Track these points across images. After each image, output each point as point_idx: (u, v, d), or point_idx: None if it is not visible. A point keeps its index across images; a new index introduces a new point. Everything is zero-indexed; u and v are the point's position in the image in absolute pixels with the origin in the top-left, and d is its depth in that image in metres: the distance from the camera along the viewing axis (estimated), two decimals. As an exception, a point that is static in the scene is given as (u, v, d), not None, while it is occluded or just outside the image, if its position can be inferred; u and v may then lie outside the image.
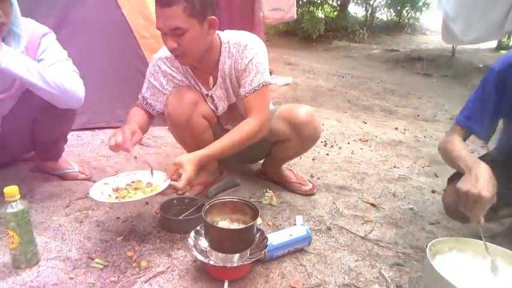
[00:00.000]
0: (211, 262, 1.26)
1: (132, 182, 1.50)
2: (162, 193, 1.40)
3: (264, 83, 1.61)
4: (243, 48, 1.60)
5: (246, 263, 1.27)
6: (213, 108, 1.77)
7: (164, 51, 1.67)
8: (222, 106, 1.77)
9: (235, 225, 1.37)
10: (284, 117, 1.74)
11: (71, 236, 1.50)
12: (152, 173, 1.52)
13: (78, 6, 2.53)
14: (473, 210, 1.19)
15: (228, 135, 1.56)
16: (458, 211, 1.26)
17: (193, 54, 1.55)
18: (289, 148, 1.84)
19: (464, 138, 1.44)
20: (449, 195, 1.51)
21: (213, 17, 1.49)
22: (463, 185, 1.20)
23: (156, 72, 1.73)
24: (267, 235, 1.40)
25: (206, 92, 1.73)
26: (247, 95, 1.61)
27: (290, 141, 1.79)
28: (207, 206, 1.34)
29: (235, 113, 1.79)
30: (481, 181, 1.18)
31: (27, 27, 1.56)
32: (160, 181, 1.44)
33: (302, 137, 1.77)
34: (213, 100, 1.75)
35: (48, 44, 1.63)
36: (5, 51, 1.39)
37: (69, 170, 1.97)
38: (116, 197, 1.39)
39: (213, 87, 1.72)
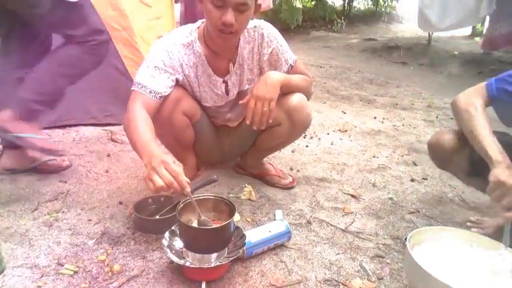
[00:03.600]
0: (187, 263, 1.21)
1: None
2: None
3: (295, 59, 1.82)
4: (265, 34, 1.65)
5: (223, 262, 1.23)
6: (224, 93, 1.73)
7: (179, 38, 1.57)
8: (233, 92, 1.74)
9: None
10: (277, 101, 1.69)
11: (39, 241, 1.42)
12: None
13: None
14: (504, 200, 1.19)
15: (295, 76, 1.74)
16: (441, 154, 1.35)
17: (240, 35, 1.55)
18: (278, 134, 1.78)
19: (486, 105, 1.40)
20: (434, 137, 1.59)
21: None
22: (499, 175, 1.20)
23: (175, 53, 1.56)
24: (246, 232, 1.35)
25: (221, 79, 1.68)
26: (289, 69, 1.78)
27: (280, 126, 1.74)
28: (181, 205, 1.29)
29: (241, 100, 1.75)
30: None
31: None
32: None
33: (294, 122, 1.72)
34: (227, 86, 1.71)
35: None
36: None
37: (47, 159, 1.84)
38: None
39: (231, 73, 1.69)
